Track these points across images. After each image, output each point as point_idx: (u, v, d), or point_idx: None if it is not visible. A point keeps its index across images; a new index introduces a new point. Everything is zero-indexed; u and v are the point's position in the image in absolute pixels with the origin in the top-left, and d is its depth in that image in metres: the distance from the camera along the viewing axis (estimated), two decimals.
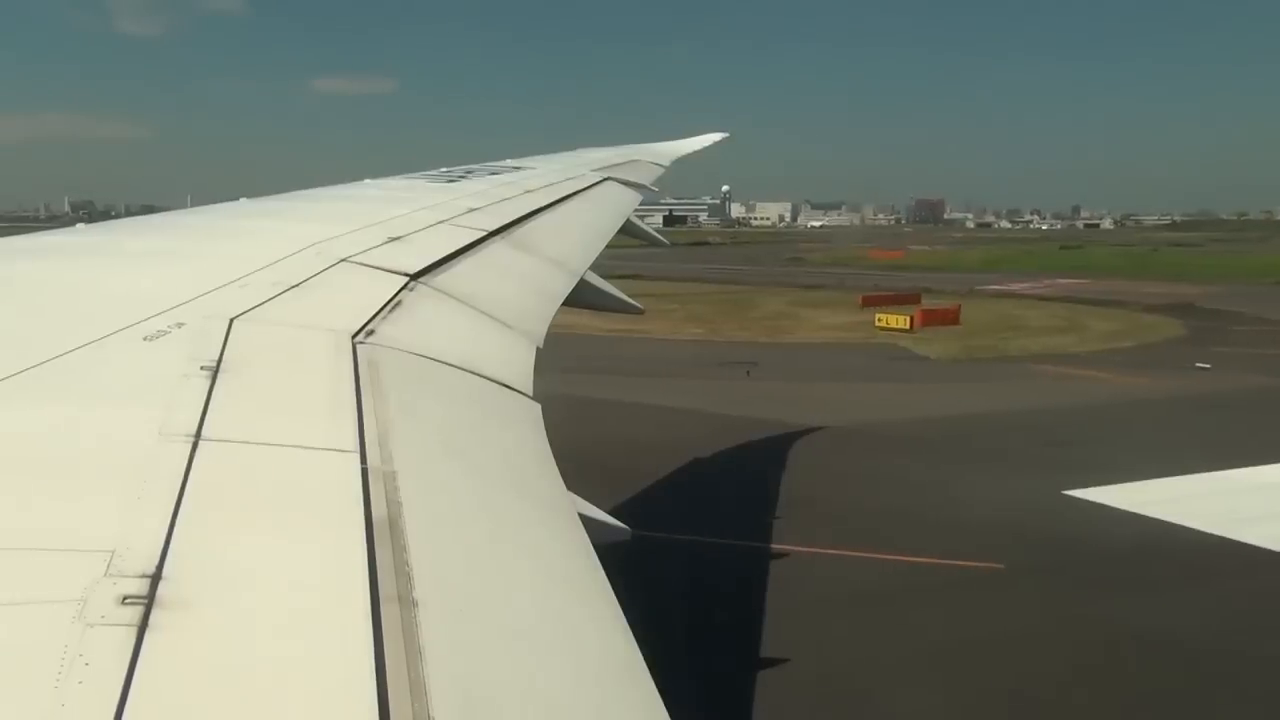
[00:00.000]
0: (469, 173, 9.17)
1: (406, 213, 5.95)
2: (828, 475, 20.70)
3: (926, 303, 54.27)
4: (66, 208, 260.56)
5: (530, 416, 3.36)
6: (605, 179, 10.25)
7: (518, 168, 10.03)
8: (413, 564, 1.92)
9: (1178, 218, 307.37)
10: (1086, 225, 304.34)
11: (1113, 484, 13.50)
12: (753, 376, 33.63)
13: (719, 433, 23.86)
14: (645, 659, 1.96)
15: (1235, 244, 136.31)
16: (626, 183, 10.72)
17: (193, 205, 7.22)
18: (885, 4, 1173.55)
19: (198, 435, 2.30)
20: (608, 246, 7.57)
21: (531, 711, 1.76)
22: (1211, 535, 10.42)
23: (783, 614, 13.36)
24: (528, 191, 8.05)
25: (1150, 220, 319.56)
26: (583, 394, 25.00)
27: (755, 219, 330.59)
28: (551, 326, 4.73)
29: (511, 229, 6.34)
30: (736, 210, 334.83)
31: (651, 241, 13.12)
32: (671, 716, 1.78)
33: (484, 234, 5.82)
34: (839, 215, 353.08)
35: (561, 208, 7.96)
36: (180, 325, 3.10)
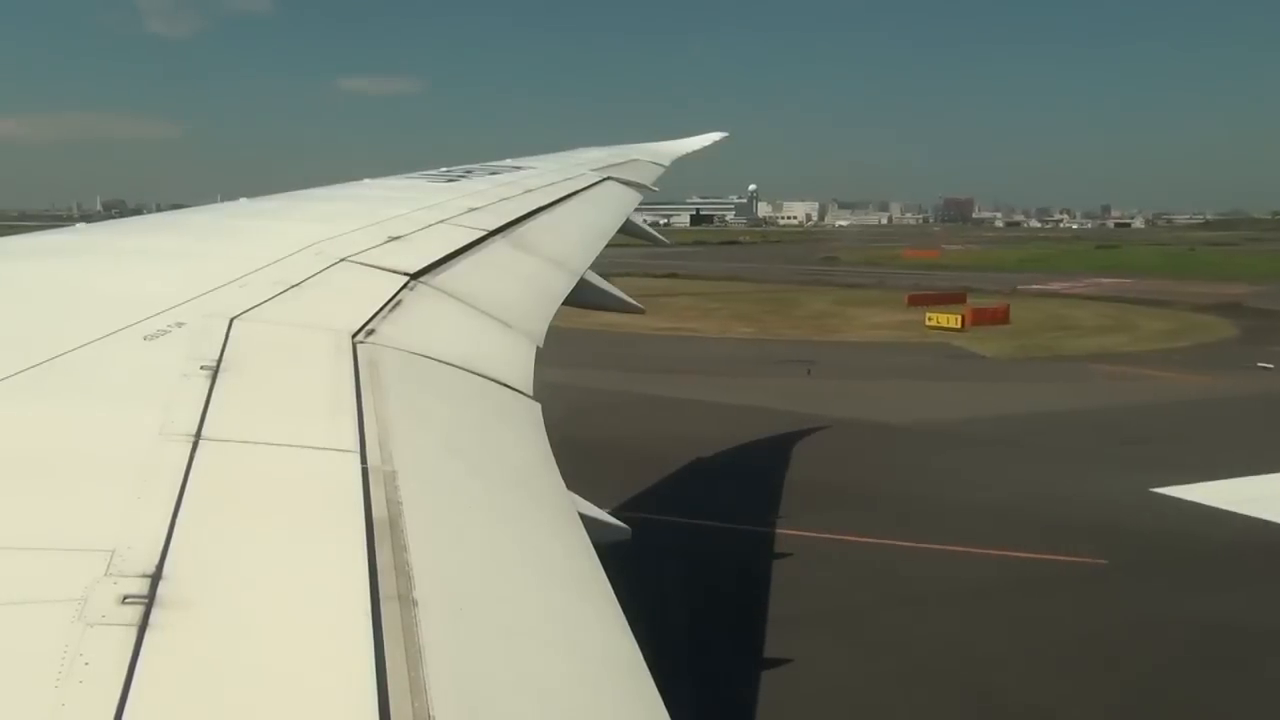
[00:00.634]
0: (469, 172, 9.16)
1: (406, 212, 5.94)
2: (920, 473, 20.93)
3: (973, 302, 54.19)
4: (99, 207, 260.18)
5: (531, 416, 3.35)
6: (605, 178, 10.24)
7: (518, 167, 10.03)
8: (413, 563, 1.92)
9: (1210, 217, 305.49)
10: (1117, 224, 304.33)
11: (1198, 482, 13.48)
12: (813, 375, 33.65)
13: (794, 430, 23.85)
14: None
15: (1272, 243, 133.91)
16: (627, 182, 10.71)
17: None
18: (912, 2, 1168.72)
19: (198, 435, 2.30)
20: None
21: (531, 711, 1.76)
22: None
23: (910, 603, 14.35)
24: (528, 191, 8.04)
25: (1182, 219, 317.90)
26: (654, 393, 25.57)
27: (783, 218, 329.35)
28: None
29: (511, 228, 6.33)
30: (763, 209, 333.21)
31: (652, 241, 13.10)
32: (672, 716, 1.78)
33: (484, 233, 5.81)
34: (866, 214, 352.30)
35: (561, 207, 7.95)
36: (180, 325, 3.09)
